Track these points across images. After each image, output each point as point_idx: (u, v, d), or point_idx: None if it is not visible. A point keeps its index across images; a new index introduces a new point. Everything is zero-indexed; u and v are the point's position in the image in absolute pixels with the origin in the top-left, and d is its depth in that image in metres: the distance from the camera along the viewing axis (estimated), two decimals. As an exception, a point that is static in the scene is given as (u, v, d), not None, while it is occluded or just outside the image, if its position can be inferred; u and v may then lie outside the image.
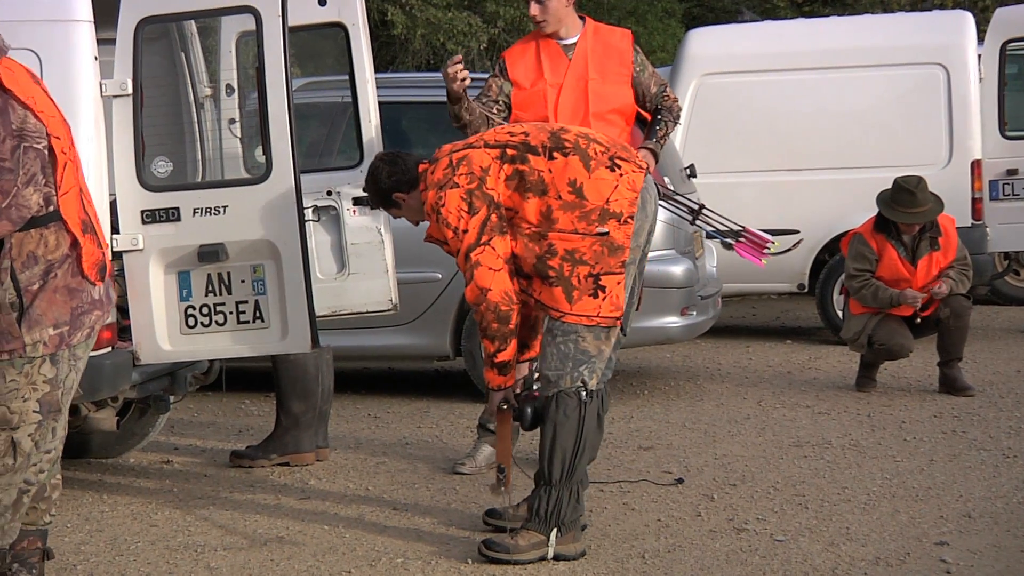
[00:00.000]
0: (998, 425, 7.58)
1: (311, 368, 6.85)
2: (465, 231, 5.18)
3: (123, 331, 5.87)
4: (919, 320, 8.55)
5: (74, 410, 6.34)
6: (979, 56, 10.68)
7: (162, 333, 5.76)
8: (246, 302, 5.72)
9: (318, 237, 6.36)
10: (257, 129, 5.88)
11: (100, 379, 5.66)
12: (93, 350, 5.57)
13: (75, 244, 4.47)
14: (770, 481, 6.45)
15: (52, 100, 4.53)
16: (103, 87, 5.67)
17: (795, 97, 10.71)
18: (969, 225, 10.17)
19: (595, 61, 6.37)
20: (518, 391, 5.42)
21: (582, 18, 6.47)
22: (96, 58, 5.63)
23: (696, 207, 6.55)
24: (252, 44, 5.85)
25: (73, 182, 4.50)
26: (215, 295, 5.74)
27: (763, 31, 11.79)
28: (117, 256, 5.73)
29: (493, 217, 5.19)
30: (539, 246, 5.19)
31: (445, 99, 6.20)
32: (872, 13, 16.71)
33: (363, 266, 6.38)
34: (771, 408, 8.18)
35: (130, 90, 5.68)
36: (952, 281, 8.47)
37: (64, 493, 6.13)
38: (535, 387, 5.44)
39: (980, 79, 10.61)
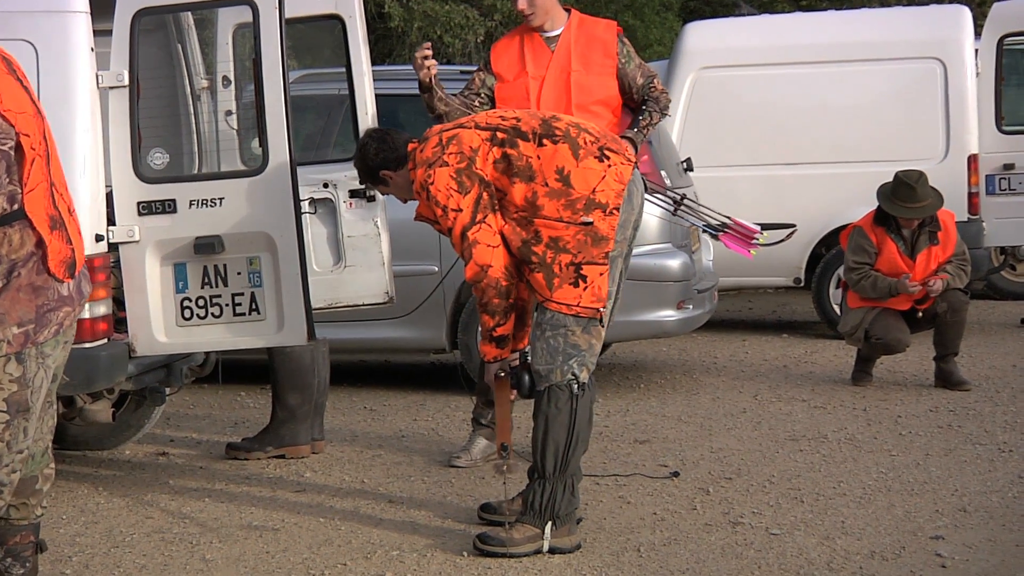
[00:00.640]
0: (994, 420, 7.58)
1: (307, 361, 6.85)
2: (457, 210, 5.17)
3: (119, 323, 5.87)
4: (920, 315, 8.55)
5: (69, 402, 6.33)
6: (976, 50, 10.68)
7: (158, 325, 5.76)
8: (242, 294, 5.72)
9: (314, 229, 6.35)
10: (254, 121, 5.88)
11: (96, 371, 5.66)
12: (90, 342, 5.59)
13: (40, 243, 4.37)
14: (766, 475, 6.45)
15: (28, 91, 4.36)
16: (99, 78, 5.66)
17: (792, 91, 10.69)
18: (965, 219, 10.14)
19: (578, 52, 6.35)
20: (513, 364, 5.40)
21: (568, 10, 6.46)
22: (92, 49, 5.62)
23: (678, 197, 6.53)
24: (249, 36, 5.86)
25: (41, 177, 4.34)
26: (211, 287, 5.73)
27: (760, 25, 11.76)
28: (113, 248, 5.73)
29: (485, 195, 5.18)
30: (526, 231, 5.17)
31: (441, 93, 6.20)
32: (869, 7, 16.66)
33: (359, 259, 6.37)
34: (767, 402, 8.18)
35: (126, 82, 5.68)
36: (950, 276, 8.47)
37: (59, 485, 6.15)
38: (528, 359, 5.41)
39: (977, 73, 10.60)
